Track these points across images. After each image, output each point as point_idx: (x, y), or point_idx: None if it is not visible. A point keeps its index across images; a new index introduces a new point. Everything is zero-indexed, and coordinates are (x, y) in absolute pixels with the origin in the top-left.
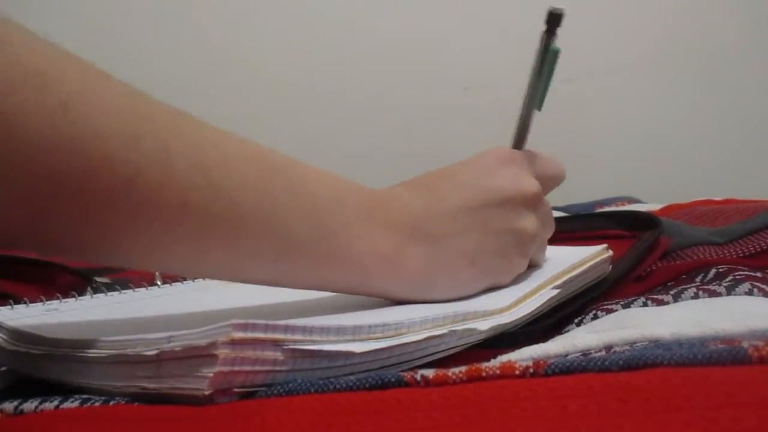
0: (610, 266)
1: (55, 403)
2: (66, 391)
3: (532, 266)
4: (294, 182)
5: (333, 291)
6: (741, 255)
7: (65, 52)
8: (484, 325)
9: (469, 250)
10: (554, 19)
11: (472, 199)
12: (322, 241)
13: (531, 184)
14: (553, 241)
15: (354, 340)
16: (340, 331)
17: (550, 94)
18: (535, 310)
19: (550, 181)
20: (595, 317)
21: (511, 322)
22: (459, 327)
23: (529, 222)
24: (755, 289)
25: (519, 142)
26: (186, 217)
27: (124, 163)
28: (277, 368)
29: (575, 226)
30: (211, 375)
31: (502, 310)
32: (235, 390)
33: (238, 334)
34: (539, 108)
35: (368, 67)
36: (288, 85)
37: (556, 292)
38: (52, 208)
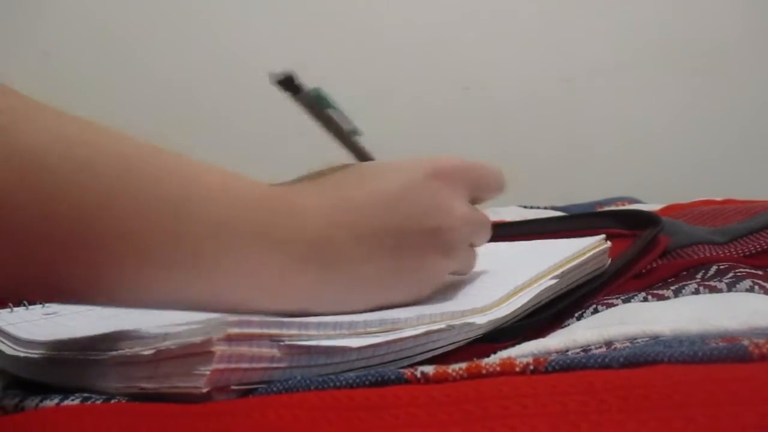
0: (609, 259)
1: (56, 400)
2: (66, 390)
3: (460, 273)
4: (169, 199)
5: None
6: (741, 254)
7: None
8: (482, 320)
9: (370, 278)
10: (287, 84)
11: (388, 220)
12: (175, 250)
13: (458, 218)
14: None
15: (351, 335)
16: (336, 326)
17: (550, 94)
18: (533, 300)
19: (486, 195)
20: (596, 311)
21: (509, 314)
22: (457, 322)
23: (441, 261)
24: (756, 287)
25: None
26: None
27: None
28: (275, 365)
29: (576, 226)
30: (207, 372)
31: (499, 303)
32: (233, 387)
33: (234, 330)
34: (356, 132)
35: (368, 68)
36: None
37: (554, 282)
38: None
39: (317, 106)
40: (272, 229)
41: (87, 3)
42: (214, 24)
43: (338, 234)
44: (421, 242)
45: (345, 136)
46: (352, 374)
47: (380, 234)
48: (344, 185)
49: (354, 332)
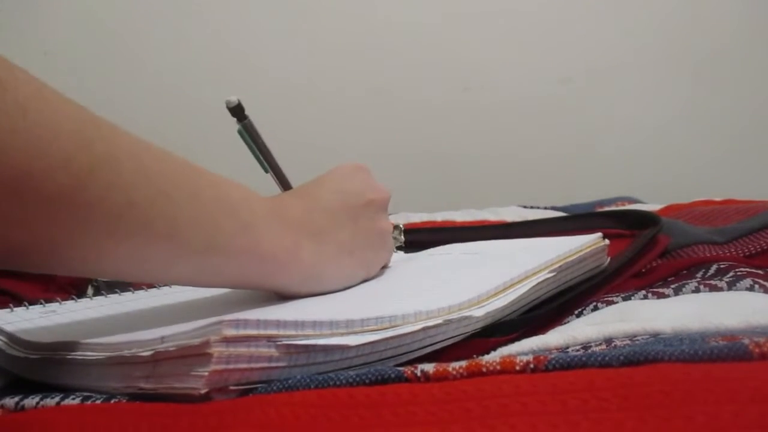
0: (608, 258)
1: (56, 399)
2: (66, 389)
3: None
4: (213, 184)
5: (244, 287)
6: (741, 255)
7: (11, 62)
8: (480, 312)
9: (347, 243)
10: (236, 111)
11: (342, 200)
12: (241, 235)
13: (384, 190)
14: None
15: (348, 334)
16: (333, 325)
17: (550, 95)
18: (530, 293)
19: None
20: (596, 309)
21: (507, 305)
22: (455, 316)
23: (386, 221)
24: (756, 285)
25: (285, 186)
26: (130, 216)
27: (78, 164)
28: (273, 364)
29: (575, 226)
30: (206, 374)
31: (495, 294)
32: (232, 388)
33: (230, 332)
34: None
35: (368, 68)
36: (287, 84)
37: (551, 275)
38: (13, 210)
39: (255, 134)
40: (274, 210)
41: (87, 3)
42: (214, 24)
43: (315, 213)
44: (367, 211)
45: (268, 164)
46: (352, 373)
47: (340, 210)
48: (304, 188)
49: (351, 331)
